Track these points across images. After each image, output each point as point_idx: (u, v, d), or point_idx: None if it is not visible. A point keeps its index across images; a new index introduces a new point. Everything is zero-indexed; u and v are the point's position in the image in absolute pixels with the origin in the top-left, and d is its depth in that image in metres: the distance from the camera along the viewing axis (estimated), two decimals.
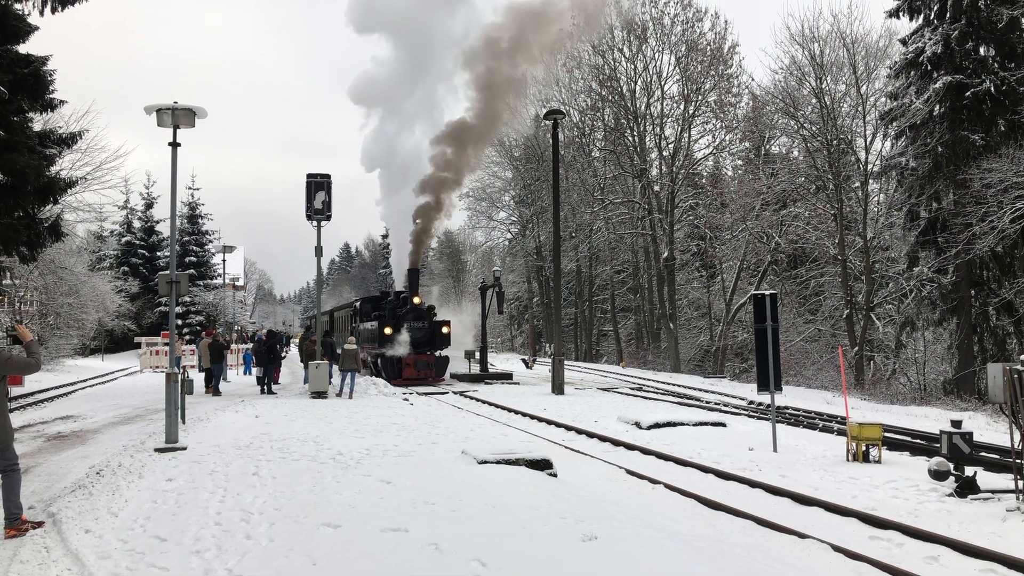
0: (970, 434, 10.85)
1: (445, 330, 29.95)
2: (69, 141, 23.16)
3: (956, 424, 11.29)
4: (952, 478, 10.25)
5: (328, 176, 26.55)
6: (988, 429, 17.15)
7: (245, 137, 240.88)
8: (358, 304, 35.25)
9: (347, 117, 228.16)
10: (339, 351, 24.36)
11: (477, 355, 33.24)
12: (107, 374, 35.11)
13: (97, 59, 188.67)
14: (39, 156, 20.65)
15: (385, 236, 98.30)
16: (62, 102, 22.21)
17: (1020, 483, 9.53)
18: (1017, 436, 9.62)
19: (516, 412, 19.89)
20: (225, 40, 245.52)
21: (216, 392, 24.48)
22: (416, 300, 29.87)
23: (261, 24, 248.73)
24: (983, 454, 13.03)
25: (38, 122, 23.15)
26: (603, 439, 15.22)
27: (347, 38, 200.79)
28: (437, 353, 29.39)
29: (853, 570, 7.16)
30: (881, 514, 9.02)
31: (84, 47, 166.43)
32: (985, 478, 10.62)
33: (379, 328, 29.40)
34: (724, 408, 21.60)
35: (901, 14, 30.05)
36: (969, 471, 10.41)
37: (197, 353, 31.38)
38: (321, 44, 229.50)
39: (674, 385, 30.14)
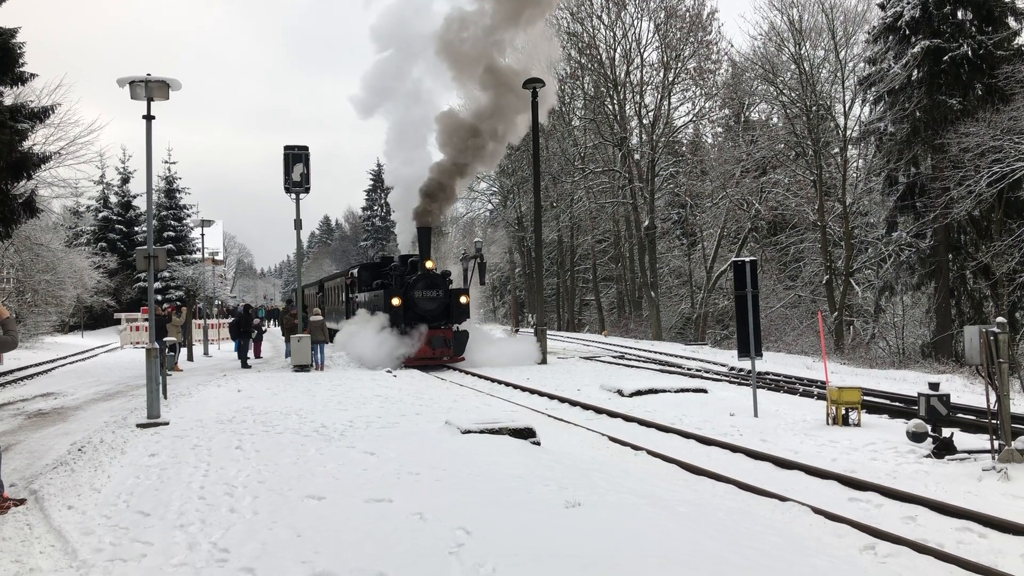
0: (947, 396, 10.99)
1: (464, 300, 26.04)
2: (41, 115, 22.69)
3: (934, 386, 11.44)
4: (930, 439, 10.40)
5: (306, 148, 26.23)
6: (965, 391, 17.35)
7: (213, 113, 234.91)
8: (355, 272, 31.39)
9: (314, 90, 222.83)
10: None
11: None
12: (87, 351, 34.85)
13: (64, 33, 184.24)
14: (11, 131, 20.27)
15: (365, 208, 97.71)
16: (33, 75, 21.80)
17: (995, 443, 9.68)
18: (993, 397, 9.76)
19: (499, 382, 19.95)
20: (185, 14, 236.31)
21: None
22: (429, 264, 25.73)
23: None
24: (960, 415, 13.20)
25: (8, 96, 22.69)
26: (586, 407, 15.30)
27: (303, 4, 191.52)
28: (455, 327, 25.45)
29: (833, 531, 7.26)
30: (860, 476, 9.14)
31: (51, 21, 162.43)
32: (962, 439, 10.77)
33: (385, 298, 25.34)
34: (705, 375, 21.75)
35: None
36: (946, 432, 10.55)
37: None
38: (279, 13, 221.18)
39: (656, 353, 30.31)
